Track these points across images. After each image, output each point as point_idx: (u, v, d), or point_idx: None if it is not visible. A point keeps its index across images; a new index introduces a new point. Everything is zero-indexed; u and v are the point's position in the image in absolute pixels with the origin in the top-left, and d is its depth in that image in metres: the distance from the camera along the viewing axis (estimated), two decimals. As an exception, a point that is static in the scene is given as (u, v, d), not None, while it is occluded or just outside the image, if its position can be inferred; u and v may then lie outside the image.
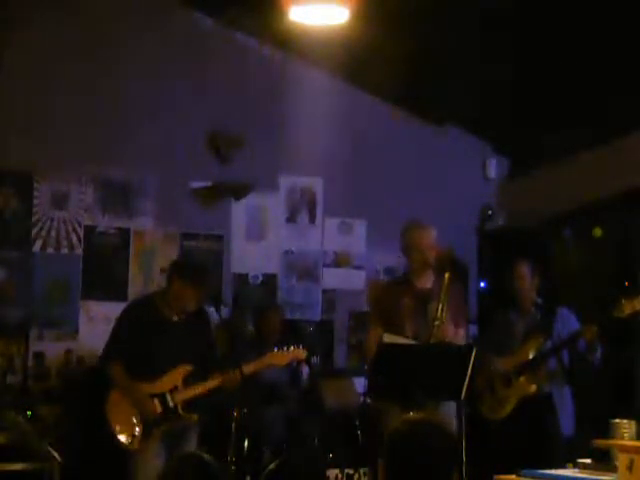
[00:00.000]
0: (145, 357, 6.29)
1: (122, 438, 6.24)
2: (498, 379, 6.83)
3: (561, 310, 6.98)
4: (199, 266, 7.29)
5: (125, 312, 6.53)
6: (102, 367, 6.50)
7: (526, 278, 6.98)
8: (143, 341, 6.32)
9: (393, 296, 6.43)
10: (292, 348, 6.52)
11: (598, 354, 6.74)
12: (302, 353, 6.58)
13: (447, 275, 6.14)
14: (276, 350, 6.51)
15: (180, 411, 6.28)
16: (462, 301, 6.52)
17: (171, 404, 6.27)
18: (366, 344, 6.59)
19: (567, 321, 6.93)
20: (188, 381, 6.32)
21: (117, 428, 6.26)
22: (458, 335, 6.35)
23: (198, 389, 6.30)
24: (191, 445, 6.37)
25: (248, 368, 6.35)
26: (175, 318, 6.40)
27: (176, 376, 6.30)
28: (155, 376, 6.28)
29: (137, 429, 6.24)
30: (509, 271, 7.05)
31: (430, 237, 6.41)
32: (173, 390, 6.29)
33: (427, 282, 6.36)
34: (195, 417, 6.34)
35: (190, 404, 6.31)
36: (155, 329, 6.35)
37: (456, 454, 3.27)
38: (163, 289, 6.55)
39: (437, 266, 6.30)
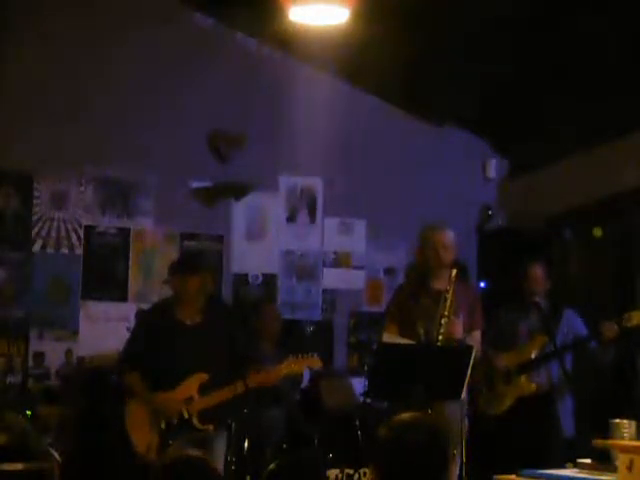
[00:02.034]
0: (160, 363, 6.15)
1: (141, 449, 6.10)
2: (498, 375, 6.83)
3: (567, 311, 6.98)
4: (190, 256, 7.25)
5: (141, 317, 6.44)
6: (120, 374, 6.40)
7: (541, 280, 6.98)
8: (158, 347, 6.18)
9: (409, 296, 6.45)
10: (307, 356, 6.41)
11: (611, 355, 6.74)
12: (318, 362, 6.49)
13: (453, 273, 6.17)
14: (291, 358, 6.39)
15: (195, 422, 6.13)
16: (477, 302, 6.53)
17: (186, 415, 6.13)
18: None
19: (572, 323, 6.93)
20: (204, 390, 6.16)
21: (137, 439, 6.13)
22: (474, 336, 6.35)
23: (213, 399, 6.14)
24: (219, 450, 6.26)
25: (267, 377, 6.26)
26: (189, 322, 6.27)
27: (191, 385, 6.14)
28: (172, 383, 6.13)
29: (154, 439, 6.10)
30: (521, 272, 7.02)
31: (445, 238, 6.43)
32: (188, 400, 6.14)
33: (443, 283, 6.36)
34: (211, 428, 6.17)
35: (207, 413, 6.16)
36: (169, 334, 6.22)
37: (446, 454, 3.24)
38: (174, 293, 6.41)
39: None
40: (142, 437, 6.13)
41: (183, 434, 6.13)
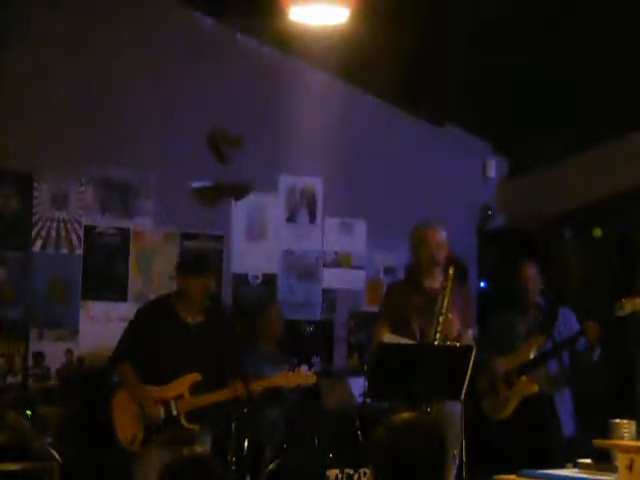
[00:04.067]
0: (155, 358, 6.18)
1: (123, 439, 6.16)
2: (500, 379, 6.83)
3: (562, 310, 7.00)
4: (198, 257, 7.27)
5: (140, 311, 6.43)
6: (111, 366, 6.42)
7: (534, 280, 6.99)
8: (154, 342, 6.21)
9: (402, 295, 6.46)
10: (302, 371, 6.59)
11: (597, 354, 6.75)
12: (312, 378, 6.55)
13: (451, 270, 6.17)
14: (287, 371, 6.52)
15: (182, 420, 6.15)
16: (469, 301, 6.54)
17: (174, 412, 6.15)
18: (372, 342, 6.61)
19: (568, 321, 6.95)
20: (195, 390, 6.18)
21: (119, 429, 6.17)
22: (466, 335, 6.36)
23: (203, 400, 6.16)
24: (205, 449, 6.20)
25: (256, 386, 6.24)
26: (190, 320, 6.29)
27: (183, 384, 6.16)
28: (164, 379, 6.16)
29: (138, 432, 6.14)
30: (514, 272, 7.04)
31: (439, 236, 6.44)
32: (178, 398, 6.16)
33: (435, 281, 6.38)
34: (197, 428, 6.19)
35: (194, 413, 6.18)
36: (168, 330, 6.24)
37: (444, 454, 3.24)
38: (178, 290, 6.43)
39: (445, 265, 6.33)
40: (126, 429, 6.16)
41: (168, 430, 6.16)
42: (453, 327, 6.22)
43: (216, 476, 3.29)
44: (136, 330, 6.33)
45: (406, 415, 3.34)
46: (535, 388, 6.75)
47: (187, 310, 6.30)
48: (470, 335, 6.42)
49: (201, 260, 6.82)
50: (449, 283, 6.14)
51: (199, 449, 3.25)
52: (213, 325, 6.35)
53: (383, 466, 3.22)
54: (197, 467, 3.28)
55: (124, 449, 6.17)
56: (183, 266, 6.47)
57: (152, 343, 6.22)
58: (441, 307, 6.11)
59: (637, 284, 7.69)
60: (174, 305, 6.33)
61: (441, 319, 6.10)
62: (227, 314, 6.63)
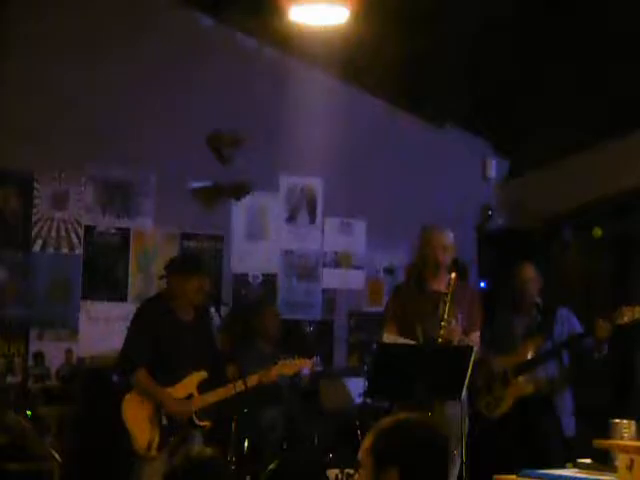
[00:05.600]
0: (160, 360, 6.19)
1: (140, 447, 6.12)
2: (496, 377, 6.83)
3: (561, 310, 6.99)
4: (190, 257, 7.28)
5: (138, 314, 6.41)
6: (127, 374, 6.35)
7: (533, 281, 6.98)
8: (158, 343, 6.21)
9: (407, 298, 6.45)
10: (300, 358, 6.52)
11: (605, 351, 6.74)
12: (308, 363, 6.56)
13: (453, 276, 6.17)
14: (283, 361, 6.48)
15: (196, 420, 6.19)
16: (475, 303, 6.52)
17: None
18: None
19: (567, 322, 6.94)
20: (202, 388, 6.21)
21: (135, 437, 6.13)
22: (472, 338, 6.34)
23: (213, 397, 6.19)
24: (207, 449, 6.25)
25: (257, 378, 6.27)
26: (185, 318, 6.33)
27: (191, 383, 6.20)
28: (170, 380, 6.17)
29: (155, 437, 6.12)
30: (513, 273, 7.04)
31: (445, 238, 6.43)
32: (189, 398, 6.19)
33: (441, 284, 6.36)
34: (208, 424, 6.23)
35: (203, 411, 6.22)
36: (169, 330, 6.25)
37: (446, 453, 3.24)
38: (168, 289, 6.46)
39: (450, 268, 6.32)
40: (143, 433, 6.14)
41: (183, 431, 6.17)
42: (455, 333, 6.21)
43: (221, 477, 3.29)
44: (139, 333, 6.31)
45: (408, 414, 3.34)
46: (530, 389, 6.75)
47: (182, 309, 6.31)
48: (476, 337, 6.40)
49: (191, 260, 6.83)
50: (450, 289, 6.14)
51: (208, 450, 3.25)
52: (203, 321, 6.41)
53: (387, 461, 3.21)
54: (203, 468, 3.27)
55: (141, 455, 6.12)
56: (174, 267, 6.47)
57: (155, 345, 6.21)
58: (442, 313, 6.11)
59: (636, 284, 7.69)
60: (169, 304, 6.34)
61: (443, 324, 6.09)
62: (208, 309, 6.62)
